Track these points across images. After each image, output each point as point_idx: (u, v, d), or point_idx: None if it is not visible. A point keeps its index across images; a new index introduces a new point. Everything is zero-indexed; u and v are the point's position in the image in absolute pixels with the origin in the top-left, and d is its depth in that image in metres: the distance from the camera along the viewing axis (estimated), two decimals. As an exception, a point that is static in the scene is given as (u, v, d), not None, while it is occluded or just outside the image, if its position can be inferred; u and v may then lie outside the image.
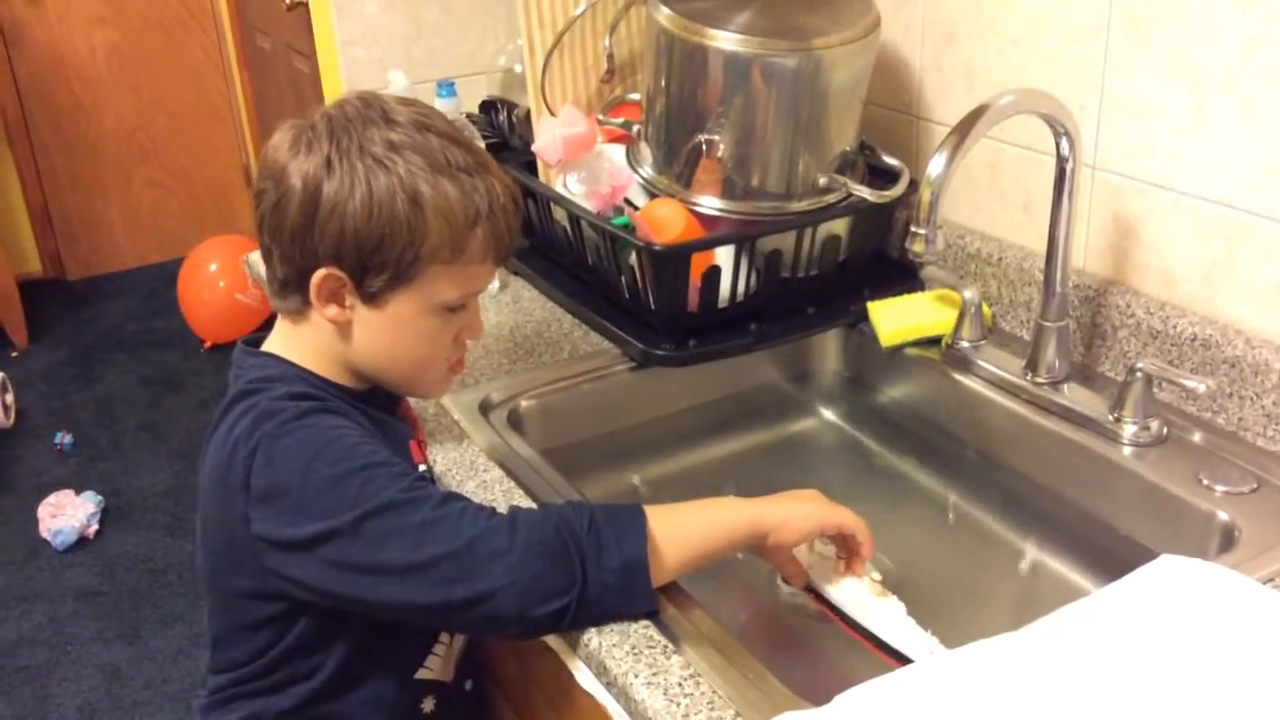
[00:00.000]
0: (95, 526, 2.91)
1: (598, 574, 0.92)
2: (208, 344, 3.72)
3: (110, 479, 3.11)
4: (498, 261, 1.05)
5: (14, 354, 3.80)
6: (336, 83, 1.68)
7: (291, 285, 1.02)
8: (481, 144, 1.53)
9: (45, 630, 2.60)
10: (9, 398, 3.36)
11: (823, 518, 1.03)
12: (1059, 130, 1.13)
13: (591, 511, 0.95)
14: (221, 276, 3.56)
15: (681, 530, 0.97)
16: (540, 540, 0.92)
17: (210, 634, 1.10)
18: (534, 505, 1.10)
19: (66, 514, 2.89)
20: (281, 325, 1.08)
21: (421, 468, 1.14)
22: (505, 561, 0.91)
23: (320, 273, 0.99)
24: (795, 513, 1.02)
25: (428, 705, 1.12)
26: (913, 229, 1.07)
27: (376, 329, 1.02)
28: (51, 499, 2.94)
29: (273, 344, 1.08)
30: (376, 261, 0.98)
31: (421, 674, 1.11)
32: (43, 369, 3.73)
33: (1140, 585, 0.98)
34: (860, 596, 1.05)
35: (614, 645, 0.93)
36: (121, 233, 4.35)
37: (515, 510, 0.96)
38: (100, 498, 2.98)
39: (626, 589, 0.94)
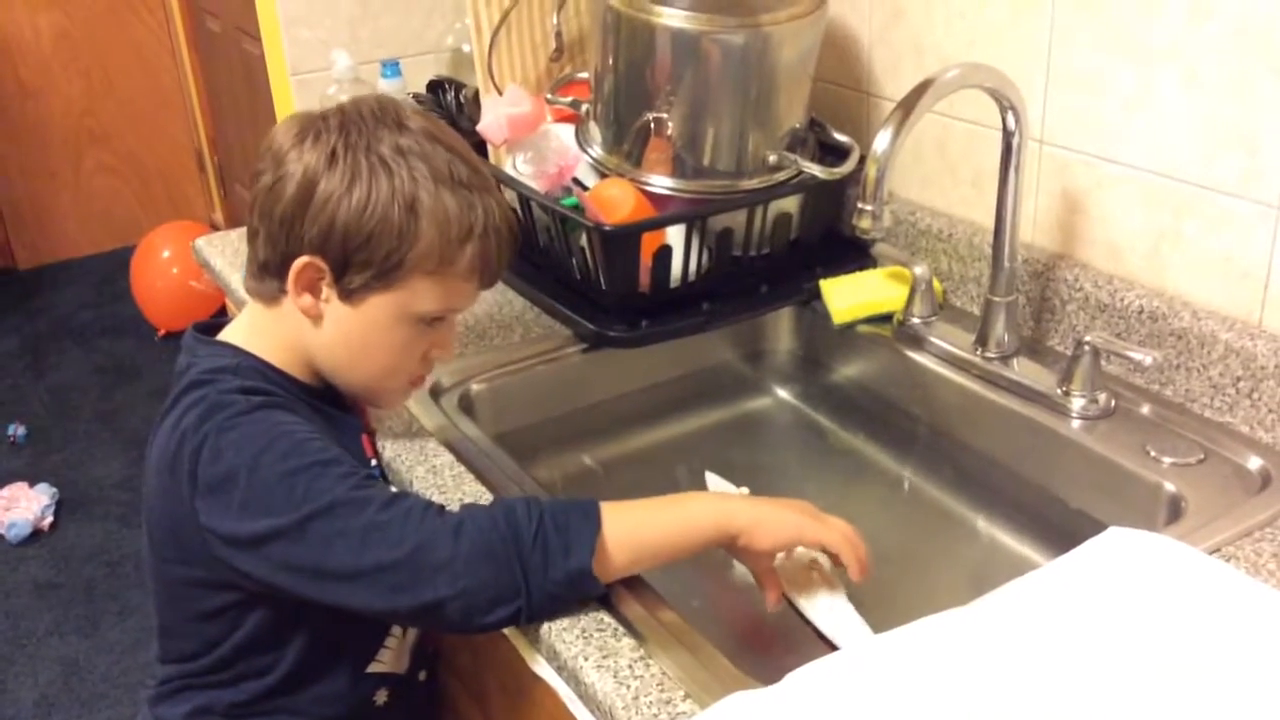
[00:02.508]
0: (50, 519, 2.87)
1: (541, 584, 0.91)
2: (161, 332, 3.67)
3: (64, 470, 3.07)
4: (483, 283, 1.04)
5: (-37, 345, 3.74)
6: (281, 64, 1.66)
7: (271, 269, 1.01)
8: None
9: (1, 624, 2.56)
10: (-41, 390, 3.31)
11: (801, 530, 0.96)
12: (1005, 105, 1.13)
13: (541, 513, 0.92)
14: (174, 263, 3.52)
15: (639, 530, 0.94)
16: (485, 550, 0.90)
17: (158, 624, 1.09)
18: (486, 492, 1.09)
19: (20, 506, 2.85)
20: (250, 310, 1.07)
21: (374, 463, 1.13)
22: (449, 572, 0.90)
23: (302, 260, 0.98)
24: (770, 518, 0.96)
25: (380, 698, 1.11)
26: (860, 205, 1.06)
27: (347, 327, 1.01)
28: (4, 491, 2.90)
29: (233, 332, 1.06)
30: (360, 258, 0.97)
31: (374, 667, 1.10)
32: (-7, 360, 3.68)
33: (1088, 558, 0.98)
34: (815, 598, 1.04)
35: (564, 629, 0.92)
36: (72, 219, 4.28)
37: (464, 513, 0.94)
38: (54, 490, 2.94)
39: (573, 596, 0.93)
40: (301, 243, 0.98)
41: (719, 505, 0.97)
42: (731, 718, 0.82)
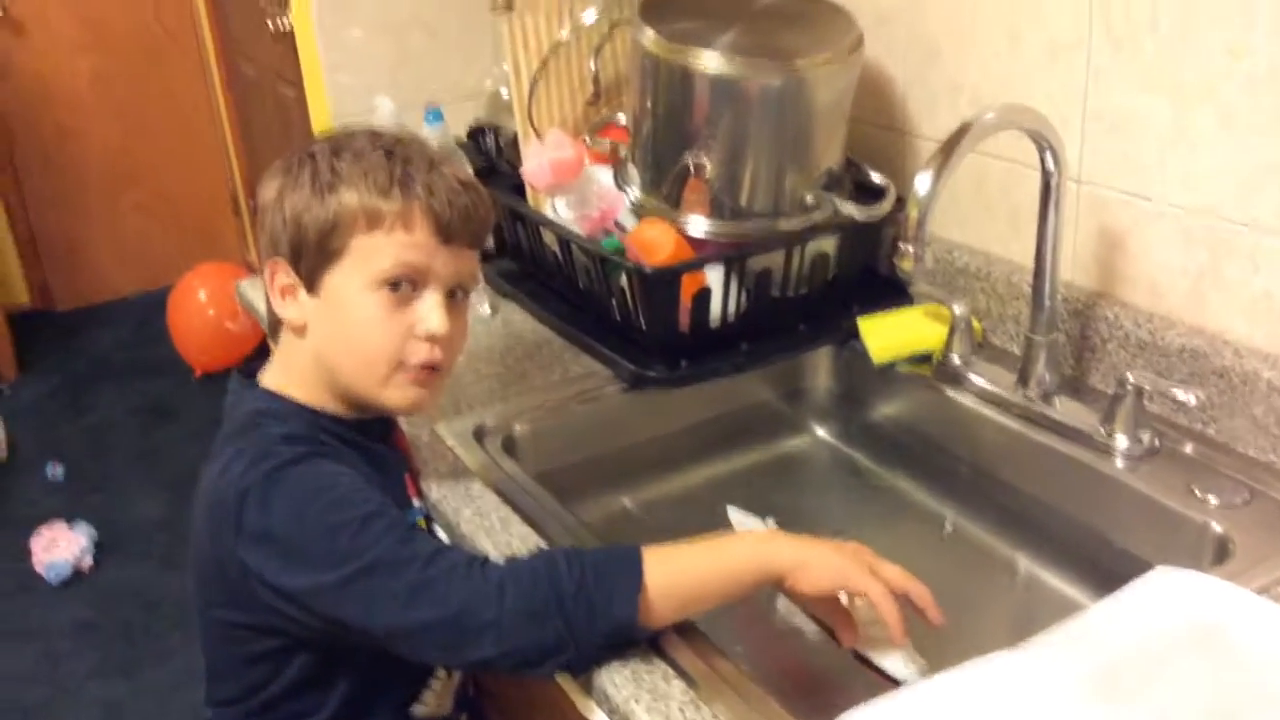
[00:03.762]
0: (89, 559, 2.90)
1: (588, 638, 0.91)
2: (198, 372, 3.71)
3: (103, 510, 3.10)
4: (443, 235, 1.00)
5: (3, 387, 3.79)
6: (323, 110, 1.68)
7: (266, 299, 1.06)
8: (469, 168, 1.53)
9: (42, 666, 2.58)
10: (-1, 431, 3.35)
11: (846, 576, 0.92)
12: (1044, 146, 1.14)
13: (583, 565, 0.92)
14: (210, 304, 3.56)
15: (682, 576, 0.94)
16: (528, 608, 0.90)
17: (206, 665, 1.10)
18: (533, 534, 1.10)
19: (60, 547, 2.88)
20: (273, 354, 1.09)
21: (417, 503, 1.13)
22: (493, 634, 0.90)
23: (267, 267, 1.03)
24: (815, 561, 0.93)
25: None
26: (901, 247, 1.07)
27: (324, 319, 1.02)
28: (44, 532, 2.93)
29: (266, 376, 1.08)
30: (304, 244, 1.00)
31: (417, 709, 1.10)
32: (33, 400, 3.72)
33: (1136, 598, 0.98)
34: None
35: (614, 671, 0.93)
36: (109, 260, 4.34)
37: (506, 569, 0.94)
38: (93, 530, 2.97)
39: (618, 646, 0.93)
40: (266, 252, 1.04)
41: (762, 547, 0.96)
42: (783, 762, 0.82)
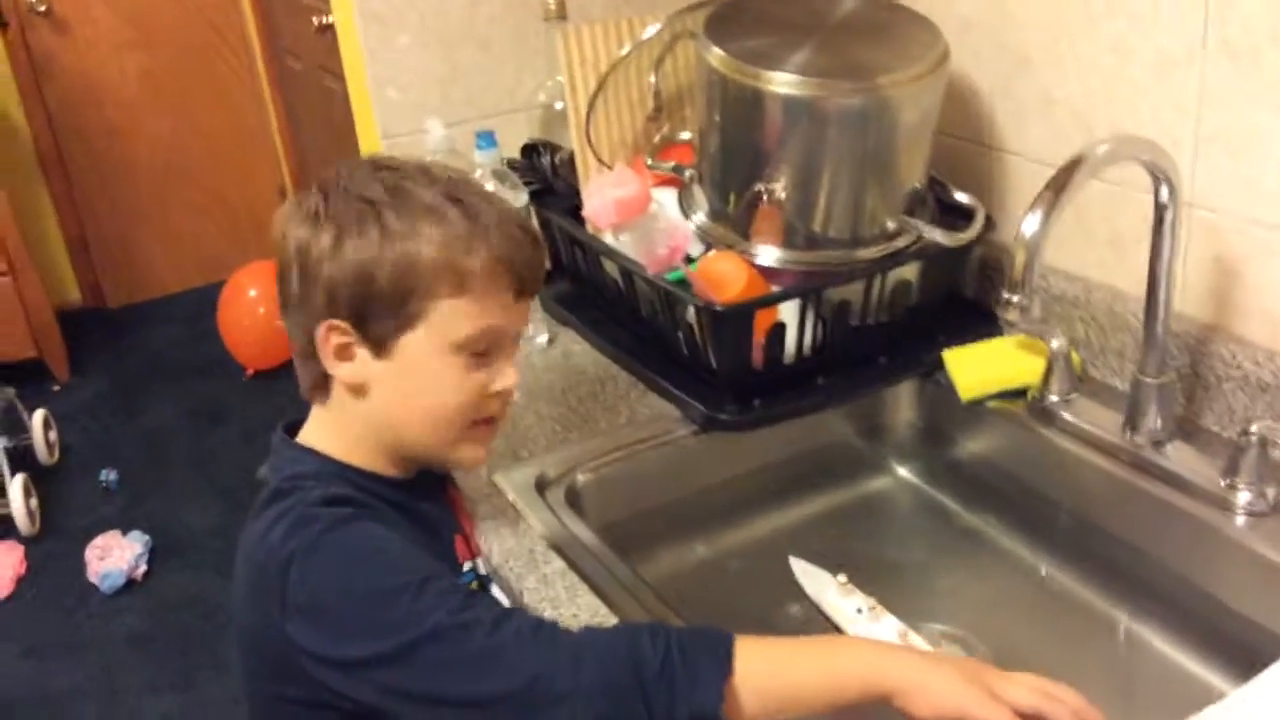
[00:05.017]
0: (143, 568, 2.86)
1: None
2: (250, 371, 3.67)
3: (157, 517, 3.06)
4: (518, 293, 0.96)
5: (55, 388, 3.77)
6: (371, 127, 1.60)
7: (306, 354, 0.97)
8: (525, 194, 1.45)
9: (97, 679, 2.55)
10: (52, 435, 3.33)
11: (968, 705, 0.81)
12: (1159, 177, 1.03)
13: (668, 642, 0.85)
14: (261, 303, 3.52)
15: (778, 675, 0.86)
16: (607, 681, 0.83)
17: None
18: (600, 605, 1.02)
19: (114, 556, 2.85)
20: (314, 412, 1.01)
21: (468, 565, 1.06)
22: (569, 704, 0.83)
23: (322, 327, 0.93)
24: (934, 684, 0.83)
25: None
26: (1006, 296, 0.97)
27: (394, 382, 0.95)
28: (98, 541, 2.90)
29: (307, 434, 1.01)
30: (375, 305, 0.92)
31: None
32: (86, 402, 3.70)
33: (1274, 688, 0.89)
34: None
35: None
36: (160, 258, 4.33)
37: (584, 637, 0.87)
38: (147, 537, 2.93)
39: None
40: (316, 313, 0.93)
41: (874, 660, 0.86)
42: None
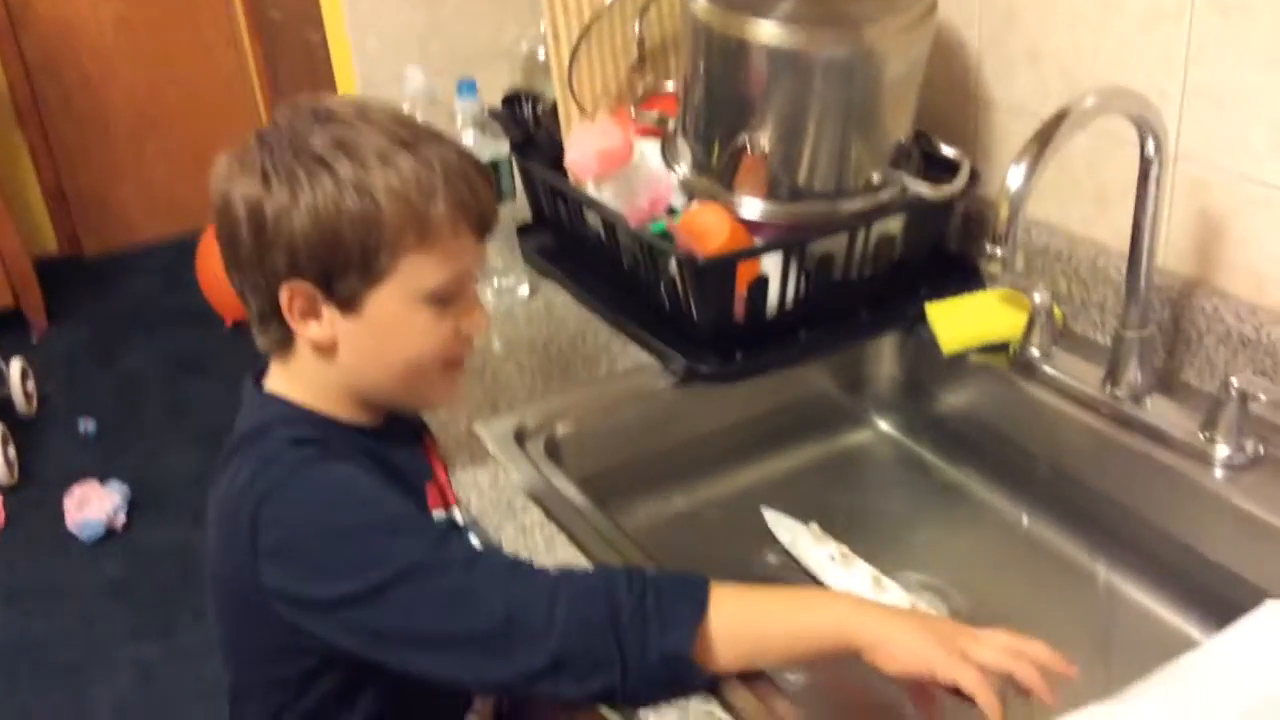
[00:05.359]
0: (123, 517, 2.86)
1: (638, 661, 0.83)
2: (229, 321, 3.64)
3: (136, 467, 3.05)
4: (477, 232, 0.95)
5: (34, 338, 3.74)
6: (350, 76, 1.58)
7: (268, 316, 0.94)
8: (506, 144, 1.44)
9: (77, 627, 2.55)
10: (30, 385, 3.30)
11: (933, 664, 0.82)
12: (1146, 131, 1.02)
13: (645, 584, 0.85)
14: (240, 253, 3.48)
15: (752, 624, 0.87)
16: (581, 621, 0.83)
17: (229, 685, 1.04)
18: (579, 555, 1.02)
19: (93, 505, 2.84)
20: (274, 366, 1.00)
21: (438, 514, 1.05)
22: (544, 645, 0.83)
23: (285, 289, 0.91)
24: (900, 641, 0.83)
25: None
26: (989, 248, 0.96)
27: (363, 339, 0.94)
28: (77, 490, 2.89)
29: (273, 384, 1.00)
30: (338, 262, 0.90)
31: None
32: (63, 352, 3.67)
33: (1249, 639, 0.89)
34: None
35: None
36: (136, 207, 4.28)
37: (560, 576, 0.87)
38: (126, 487, 2.92)
39: (671, 680, 0.85)
40: (277, 274, 0.91)
41: (847, 614, 0.86)
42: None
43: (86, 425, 3.22)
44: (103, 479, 2.94)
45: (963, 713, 0.83)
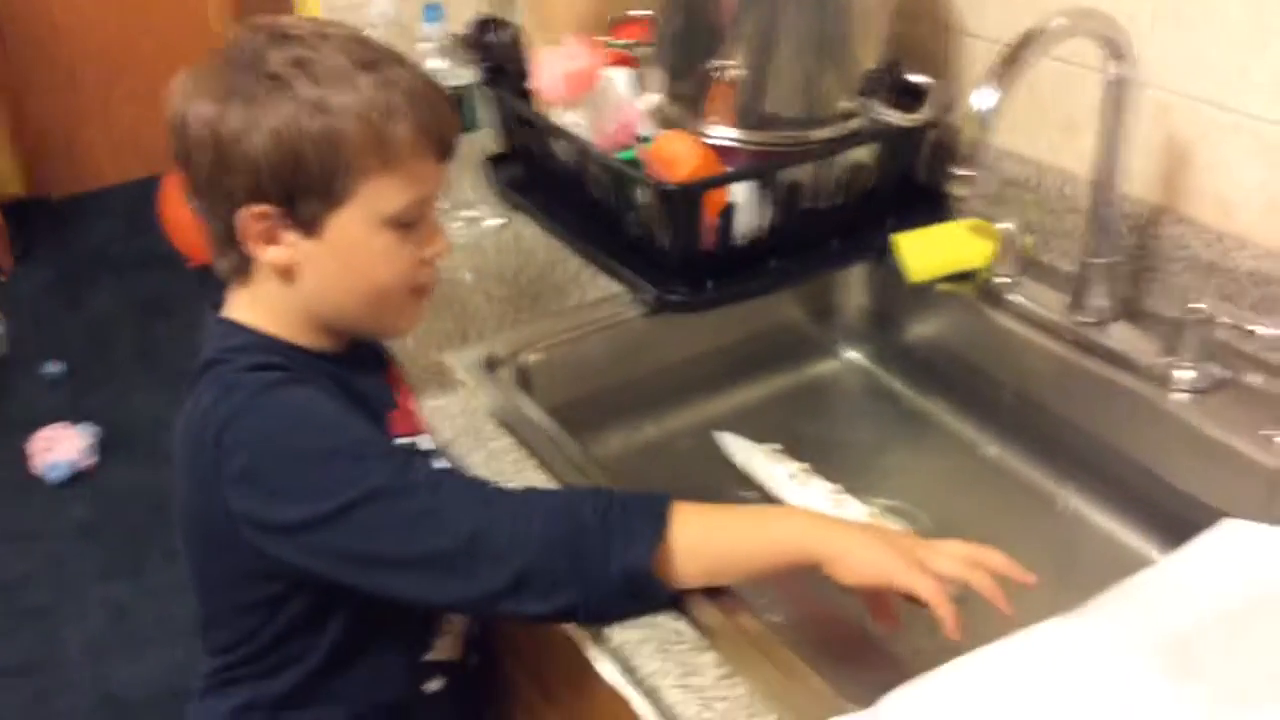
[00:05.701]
0: (92, 459, 2.84)
1: (600, 577, 0.84)
2: (193, 263, 3.61)
3: (104, 409, 3.03)
4: (439, 155, 0.94)
5: (0, 279, 3.70)
6: (315, 2, 1.56)
7: (227, 240, 0.92)
8: (473, 71, 1.42)
9: (46, 568, 2.55)
10: (-2, 327, 3.27)
11: (890, 574, 0.84)
12: (1113, 53, 1.02)
13: (609, 502, 0.86)
14: (205, 194, 3.44)
15: (713, 540, 0.87)
16: (544, 538, 0.84)
17: (201, 615, 1.04)
18: (548, 480, 1.03)
19: (61, 447, 2.83)
20: (234, 292, 0.98)
21: (403, 441, 1.05)
22: (507, 563, 0.84)
23: (245, 213, 0.89)
24: (858, 553, 0.85)
25: (433, 685, 1.06)
26: (956, 170, 0.96)
27: (325, 262, 0.92)
28: (44, 432, 2.87)
29: (234, 311, 0.98)
30: (299, 184, 0.88)
31: (428, 656, 1.05)
32: (30, 295, 3.63)
33: (1204, 556, 0.91)
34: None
35: (640, 642, 0.86)
36: (102, 149, 4.21)
37: (525, 495, 0.88)
38: (95, 428, 2.91)
39: (633, 595, 0.86)
40: (236, 197, 0.89)
41: (805, 529, 0.88)
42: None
43: (54, 368, 3.20)
44: (72, 421, 2.92)
45: (921, 622, 0.84)
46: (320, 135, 0.87)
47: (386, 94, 0.89)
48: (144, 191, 3.94)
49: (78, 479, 2.80)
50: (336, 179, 0.89)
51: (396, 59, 0.93)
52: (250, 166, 0.87)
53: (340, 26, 0.94)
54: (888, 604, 0.90)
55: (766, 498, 1.16)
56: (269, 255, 0.92)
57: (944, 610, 0.82)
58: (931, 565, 0.84)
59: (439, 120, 0.92)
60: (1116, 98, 1.06)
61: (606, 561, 0.84)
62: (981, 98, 0.94)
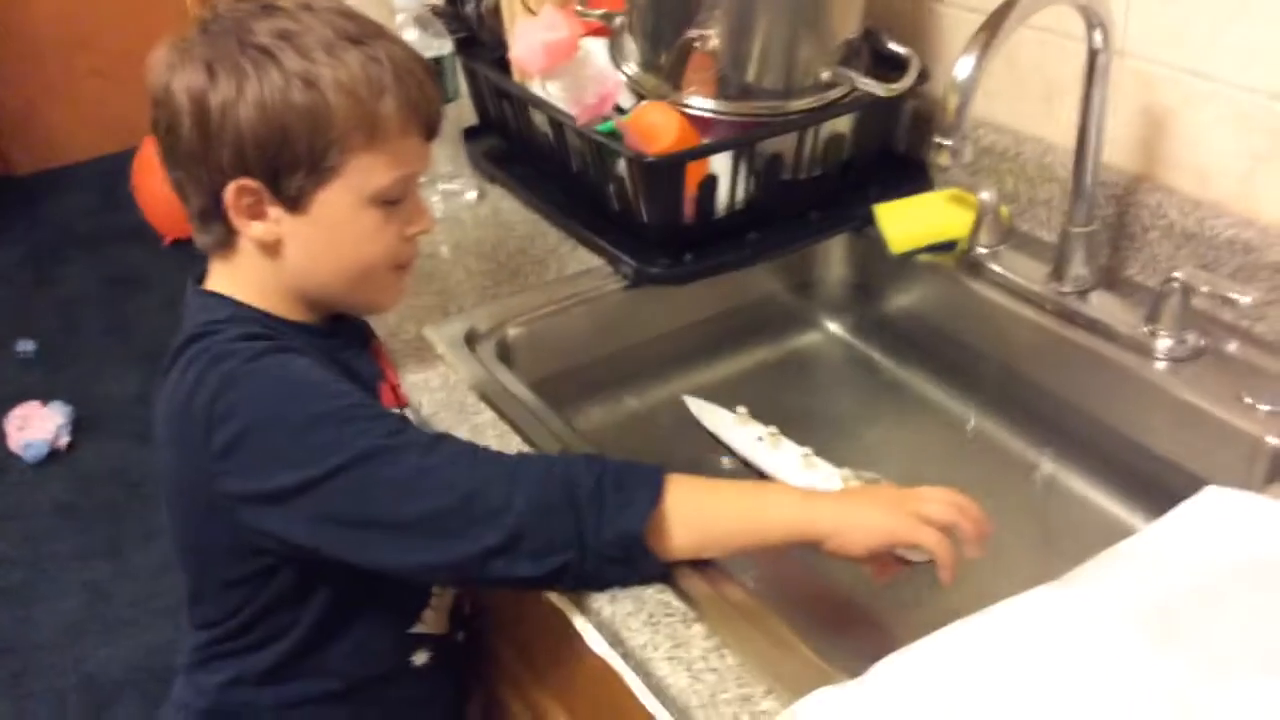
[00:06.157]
0: (67, 438, 2.82)
1: (594, 543, 0.85)
2: (168, 239, 3.58)
3: (78, 387, 3.00)
4: (424, 133, 0.94)
5: (-33, 258, 3.66)
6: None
7: (210, 214, 0.92)
8: (449, 42, 1.41)
9: (22, 549, 2.53)
10: (-35, 306, 3.23)
11: (893, 532, 0.86)
12: (1094, 22, 1.02)
13: (604, 468, 0.86)
14: (178, 169, 3.41)
15: (707, 512, 0.88)
16: (539, 500, 0.84)
17: (187, 590, 1.03)
18: (531, 451, 1.02)
19: (35, 426, 2.80)
20: (215, 265, 0.97)
21: (394, 412, 1.05)
22: (501, 522, 0.83)
23: (231, 187, 0.89)
24: (857, 522, 0.86)
25: (419, 659, 1.06)
26: (937, 140, 0.96)
27: (309, 238, 0.92)
28: (18, 411, 2.85)
29: (216, 284, 0.97)
30: (286, 159, 0.88)
31: (415, 628, 1.05)
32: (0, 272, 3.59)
33: (1187, 524, 0.91)
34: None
35: (629, 614, 0.86)
36: (68, 124, 4.17)
37: (519, 461, 0.88)
38: (70, 407, 2.88)
39: (625, 561, 0.86)
40: (222, 170, 0.88)
41: (801, 508, 0.88)
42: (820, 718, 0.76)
43: (26, 346, 3.16)
44: (45, 400, 2.89)
45: (909, 593, 0.85)
46: (307, 110, 0.86)
47: (374, 69, 0.88)
48: (112, 167, 3.91)
49: (53, 458, 2.78)
50: (323, 156, 0.88)
51: (382, 33, 0.92)
52: (237, 139, 0.87)
53: (324, 0, 0.92)
54: (889, 561, 0.91)
55: (744, 464, 1.16)
56: (253, 231, 0.91)
57: (948, 560, 0.84)
58: (924, 513, 0.86)
59: (425, 98, 0.92)
60: (1096, 65, 1.05)
61: (600, 526, 0.84)
62: (962, 66, 0.94)
